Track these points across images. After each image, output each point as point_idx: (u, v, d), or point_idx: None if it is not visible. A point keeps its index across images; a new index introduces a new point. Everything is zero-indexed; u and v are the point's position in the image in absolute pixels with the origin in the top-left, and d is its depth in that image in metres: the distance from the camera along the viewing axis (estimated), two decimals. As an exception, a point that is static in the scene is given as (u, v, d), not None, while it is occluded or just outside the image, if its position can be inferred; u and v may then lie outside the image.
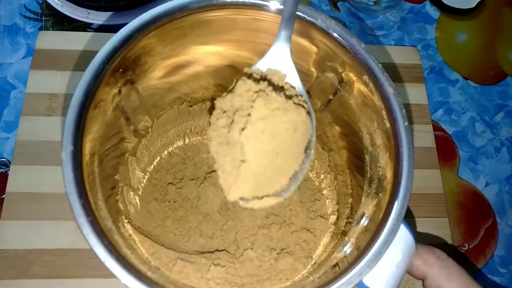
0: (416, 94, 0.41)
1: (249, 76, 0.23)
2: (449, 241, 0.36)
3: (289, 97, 0.22)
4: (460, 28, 0.48)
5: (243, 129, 0.20)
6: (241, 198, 0.21)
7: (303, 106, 0.22)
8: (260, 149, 0.20)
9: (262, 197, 0.21)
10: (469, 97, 0.45)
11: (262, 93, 0.21)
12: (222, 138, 0.21)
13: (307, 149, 0.22)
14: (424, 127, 0.40)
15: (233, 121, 0.21)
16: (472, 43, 0.48)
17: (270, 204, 0.22)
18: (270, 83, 0.22)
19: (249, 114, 0.20)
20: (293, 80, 0.24)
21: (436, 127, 0.43)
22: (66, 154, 0.21)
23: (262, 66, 0.24)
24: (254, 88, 0.21)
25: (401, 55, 0.42)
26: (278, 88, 0.22)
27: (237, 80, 0.22)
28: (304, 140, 0.22)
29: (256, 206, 0.21)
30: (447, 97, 0.45)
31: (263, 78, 0.23)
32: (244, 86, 0.21)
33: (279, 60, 0.24)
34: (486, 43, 0.48)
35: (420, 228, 0.36)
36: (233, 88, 0.22)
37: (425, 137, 0.39)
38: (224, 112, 0.21)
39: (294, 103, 0.21)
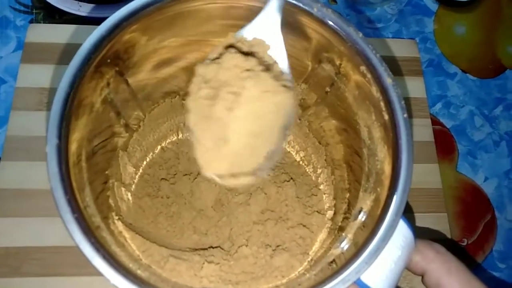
0: (415, 87, 0.40)
1: (236, 46, 0.22)
2: (448, 236, 0.36)
3: (276, 77, 0.21)
4: (458, 21, 0.48)
5: (230, 108, 0.20)
6: (217, 175, 0.21)
7: (289, 87, 0.21)
8: (245, 129, 0.20)
9: (238, 175, 0.21)
10: (468, 90, 0.45)
11: (252, 72, 0.20)
12: (204, 111, 0.20)
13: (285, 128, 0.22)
14: (423, 121, 0.39)
15: (216, 95, 0.20)
16: (471, 36, 0.47)
17: (245, 183, 0.21)
18: (260, 60, 0.21)
19: (237, 93, 0.20)
20: (280, 54, 0.23)
21: (435, 121, 0.43)
22: (50, 148, 0.20)
23: (248, 33, 0.22)
24: (243, 65, 0.20)
25: (399, 48, 0.41)
26: (267, 67, 0.21)
27: (224, 49, 0.21)
28: (285, 121, 0.22)
29: (232, 183, 0.21)
30: (445, 91, 0.45)
31: (250, 52, 0.22)
32: (231, 60, 0.21)
33: (266, 30, 0.22)
34: (485, 36, 0.47)
35: (418, 223, 0.36)
36: (217, 58, 0.21)
37: (423, 131, 0.39)
38: (206, 82, 0.20)
39: (282, 85, 0.21)
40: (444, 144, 0.42)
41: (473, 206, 0.41)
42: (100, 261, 0.19)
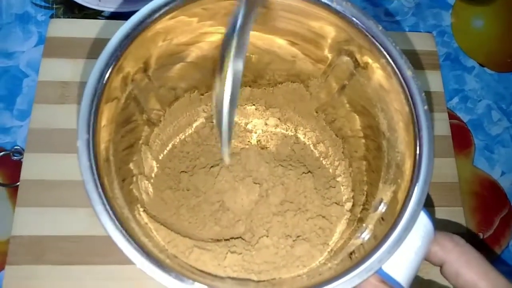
0: (432, 81, 0.40)
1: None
2: (464, 230, 0.36)
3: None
4: (476, 14, 0.47)
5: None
6: None
7: None
8: None
9: None
10: (485, 84, 0.45)
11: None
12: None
13: None
14: (440, 115, 0.39)
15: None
16: (489, 30, 0.47)
17: None
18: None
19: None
20: None
21: (451, 115, 0.42)
22: (81, 143, 0.20)
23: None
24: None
25: (416, 42, 0.41)
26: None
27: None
28: None
29: None
30: (462, 85, 0.44)
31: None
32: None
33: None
34: (504, 29, 0.47)
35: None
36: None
37: (440, 125, 0.39)
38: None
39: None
40: (461, 138, 0.42)
41: (489, 201, 0.41)
42: (133, 251, 0.19)
